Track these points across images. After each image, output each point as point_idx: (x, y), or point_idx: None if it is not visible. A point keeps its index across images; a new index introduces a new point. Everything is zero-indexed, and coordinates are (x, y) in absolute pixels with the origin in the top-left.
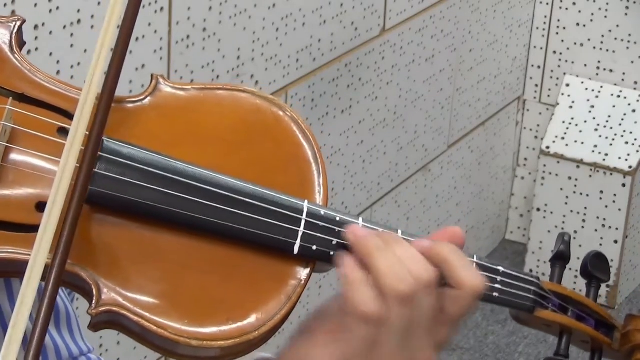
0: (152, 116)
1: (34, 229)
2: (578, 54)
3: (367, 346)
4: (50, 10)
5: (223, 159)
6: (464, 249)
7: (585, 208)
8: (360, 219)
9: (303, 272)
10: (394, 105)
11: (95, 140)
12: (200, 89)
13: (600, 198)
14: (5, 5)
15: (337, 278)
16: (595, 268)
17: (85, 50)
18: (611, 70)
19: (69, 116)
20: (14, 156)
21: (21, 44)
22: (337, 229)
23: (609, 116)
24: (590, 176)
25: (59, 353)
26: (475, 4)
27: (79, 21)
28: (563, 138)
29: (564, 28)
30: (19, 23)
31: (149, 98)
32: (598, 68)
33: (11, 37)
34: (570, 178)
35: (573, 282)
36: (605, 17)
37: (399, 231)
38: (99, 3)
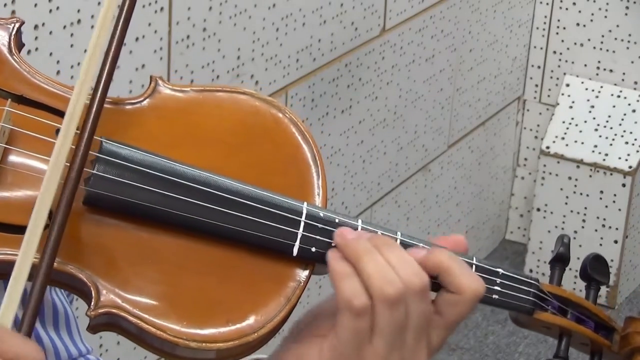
0: (151, 118)
1: None
2: (578, 54)
3: (358, 346)
4: (50, 10)
5: (222, 160)
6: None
7: (585, 208)
8: (360, 220)
9: (302, 274)
10: (394, 105)
11: (87, 139)
12: (199, 91)
13: (600, 198)
14: (5, 5)
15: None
16: (595, 270)
17: (85, 51)
18: (611, 70)
19: None
20: (13, 158)
21: (20, 45)
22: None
23: (609, 116)
24: (590, 176)
25: (57, 354)
26: (475, 4)
27: (79, 21)
28: (563, 138)
29: (564, 28)
30: (17, 25)
31: (147, 100)
32: (598, 68)
33: (10, 38)
34: (570, 178)
35: (573, 283)
36: (605, 17)
37: (399, 233)
38: (99, 3)
